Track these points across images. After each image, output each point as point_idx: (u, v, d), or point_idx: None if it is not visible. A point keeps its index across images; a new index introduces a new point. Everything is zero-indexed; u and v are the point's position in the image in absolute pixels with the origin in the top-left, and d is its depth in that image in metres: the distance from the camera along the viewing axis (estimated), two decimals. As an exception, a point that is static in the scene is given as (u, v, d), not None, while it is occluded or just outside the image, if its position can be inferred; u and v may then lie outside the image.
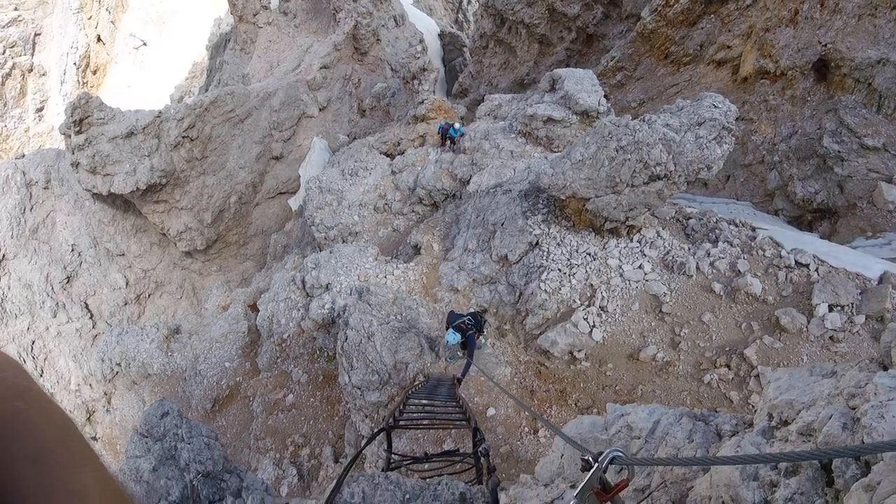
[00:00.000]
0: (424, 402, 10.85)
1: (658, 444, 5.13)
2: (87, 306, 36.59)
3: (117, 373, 28.46)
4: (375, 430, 13.77)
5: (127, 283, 37.50)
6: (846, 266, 13.32)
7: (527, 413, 13.94)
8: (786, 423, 3.77)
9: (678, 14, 27.58)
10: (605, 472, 2.80)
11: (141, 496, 6.12)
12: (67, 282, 36.09)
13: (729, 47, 26.13)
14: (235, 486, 6.62)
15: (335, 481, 6.23)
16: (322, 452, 18.93)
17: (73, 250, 36.18)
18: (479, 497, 6.46)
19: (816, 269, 13.30)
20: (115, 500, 0.94)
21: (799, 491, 2.97)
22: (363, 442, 12.35)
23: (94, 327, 36.24)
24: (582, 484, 2.81)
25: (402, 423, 9.49)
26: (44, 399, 0.92)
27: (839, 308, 12.34)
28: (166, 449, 6.66)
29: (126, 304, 37.36)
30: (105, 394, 30.78)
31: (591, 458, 2.88)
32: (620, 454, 2.83)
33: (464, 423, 9.11)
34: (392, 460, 8.12)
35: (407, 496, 6.69)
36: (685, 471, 4.28)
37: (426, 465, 8.14)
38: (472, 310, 15.83)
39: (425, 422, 10.57)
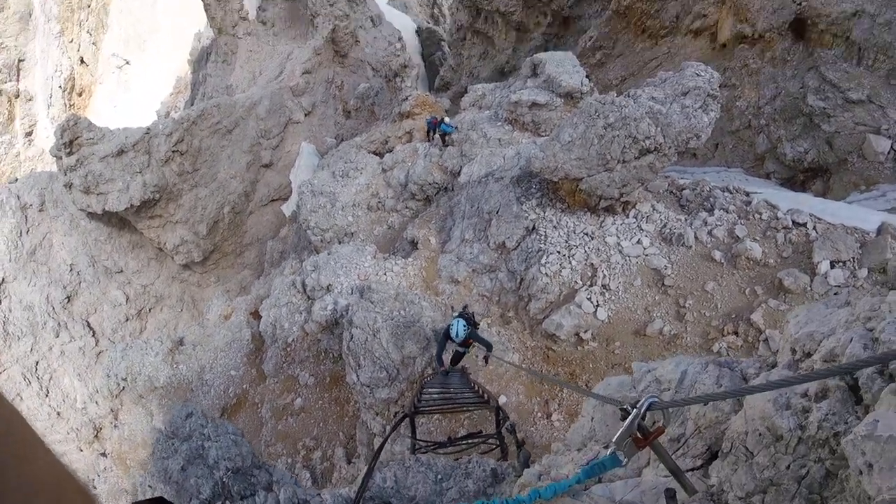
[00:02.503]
0: (440, 390, 10.96)
1: (688, 392, 5.25)
2: (88, 324, 36.56)
3: (123, 388, 28.65)
4: (393, 421, 13.86)
5: (127, 300, 37.47)
6: (843, 221, 13.38)
7: (538, 398, 13.99)
8: (808, 355, 3.89)
9: (652, -14, 27.64)
10: (643, 418, 2.89)
11: (171, 496, 6.15)
12: (68, 301, 36.04)
13: (705, 15, 26.11)
14: (265, 481, 6.68)
15: (366, 468, 6.33)
16: (334, 454, 18.98)
17: (71, 270, 36.16)
18: (509, 472, 6.55)
19: (814, 227, 13.35)
20: (70, 494, 0.90)
21: (831, 412, 3.08)
22: (388, 429, 12.43)
23: (96, 345, 36.21)
24: (621, 430, 2.90)
25: (422, 408, 9.58)
26: None
27: (841, 264, 12.38)
28: (194, 448, 6.72)
29: (127, 319, 37.35)
30: (111, 410, 30.95)
31: (628, 407, 2.96)
32: (656, 399, 2.92)
33: (484, 404, 9.21)
34: (417, 446, 8.21)
35: (439, 476, 6.80)
36: (717, 414, 4.37)
37: (450, 449, 8.22)
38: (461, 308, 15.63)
39: (447, 406, 10.68)
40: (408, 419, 8.97)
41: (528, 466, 6.33)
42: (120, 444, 29.12)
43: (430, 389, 11.12)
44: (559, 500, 3.73)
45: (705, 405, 4.57)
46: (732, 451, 3.67)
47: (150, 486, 6.38)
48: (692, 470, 4.14)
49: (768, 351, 11.72)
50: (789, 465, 3.16)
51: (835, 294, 11.88)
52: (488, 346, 11.77)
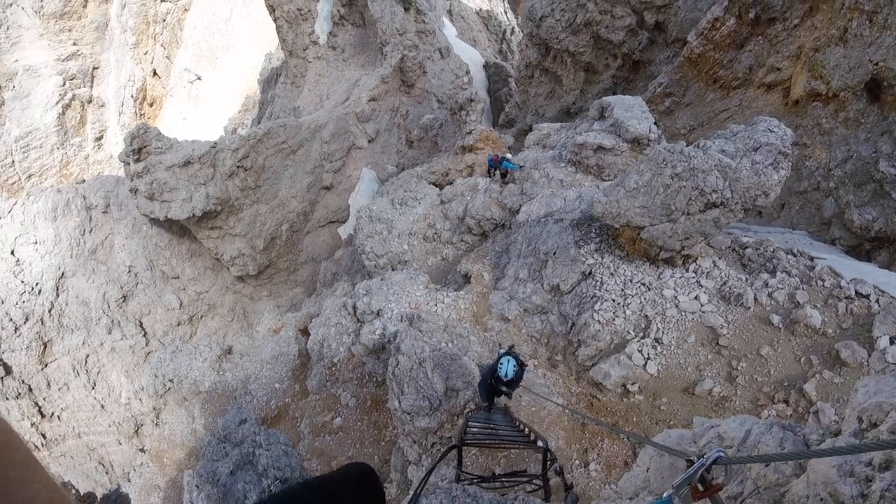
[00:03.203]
0: (483, 425, 10.88)
1: (750, 451, 5.32)
2: (141, 325, 37.68)
3: (169, 388, 29.30)
4: (440, 451, 13.82)
5: (181, 305, 38.50)
6: (908, 297, 12.99)
7: (577, 445, 13.81)
8: (875, 426, 3.97)
9: (725, 37, 27.37)
10: (708, 470, 2.88)
11: (218, 499, 6.23)
12: (123, 301, 37.14)
13: (779, 69, 25.76)
14: None
15: (412, 493, 6.30)
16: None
17: (129, 271, 37.36)
18: None
19: (877, 300, 12.96)
20: (8, 445, 0.91)
21: (894, 482, 3.18)
22: (436, 457, 12.40)
23: (147, 345, 37.27)
24: (683, 476, 2.91)
25: (471, 440, 9.54)
26: None
27: (901, 340, 12.01)
28: (244, 454, 6.79)
29: (179, 324, 38.30)
30: (154, 408, 31.67)
31: (694, 458, 2.97)
32: (723, 454, 2.89)
33: (531, 444, 9.14)
34: (462, 477, 8.18)
35: None
36: (778, 476, 4.43)
37: (494, 485, 8.17)
38: (507, 346, 15.30)
39: (493, 441, 10.59)
40: (455, 449, 9.01)
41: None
42: (159, 441, 29.71)
43: (474, 423, 11.07)
44: None
45: (766, 466, 4.59)
46: None
47: (196, 486, 6.43)
48: None
49: (817, 423, 11.45)
50: None
51: (891, 372, 11.54)
52: (509, 394, 11.67)
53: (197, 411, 27.39)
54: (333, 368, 22.74)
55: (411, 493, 6.66)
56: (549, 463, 8.40)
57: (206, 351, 30.05)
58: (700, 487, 2.88)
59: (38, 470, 0.90)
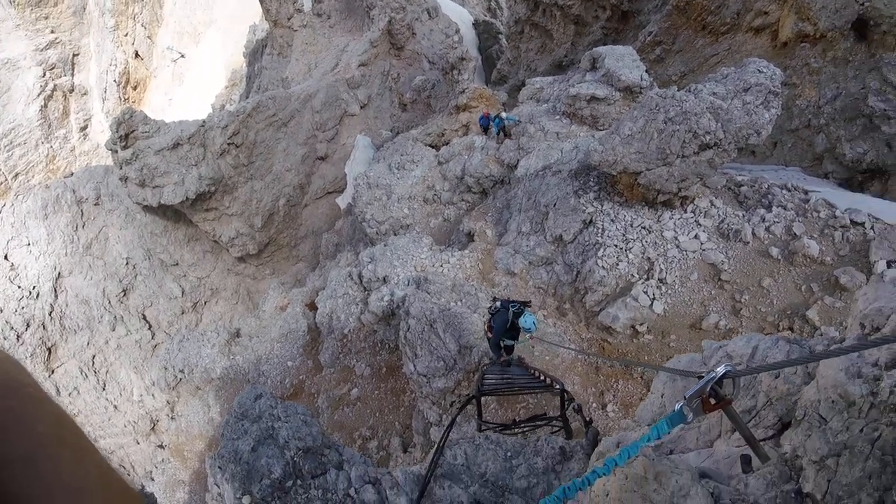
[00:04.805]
0: (500, 376, 11.24)
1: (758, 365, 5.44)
2: (144, 317, 37.24)
3: (181, 380, 28.93)
4: (458, 404, 14.20)
5: (183, 292, 38.15)
6: (902, 222, 13.39)
7: (593, 388, 14.26)
8: (877, 329, 4.16)
9: (713, -17, 27.46)
10: (721, 385, 3.09)
11: (242, 477, 6.23)
12: (124, 295, 36.74)
13: (766, 13, 25.84)
14: (336, 460, 6.75)
15: (436, 446, 6.62)
16: (390, 444, 19.25)
17: (127, 263, 36.85)
18: (577, 450, 6.81)
19: (872, 227, 13.34)
20: (118, 496, 0.92)
21: None
22: (454, 410, 12.77)
23: (153, 338, 36.88)
24: (694, 388, 3.11)
25: (488, 390, 9.90)
26: (37, 396, 0.89)
27: (898, 263, 12.41)
28: (264, 429, 6.81)
29: (183, 312, 37.99)
30: (168, 402, 31.21)
31: (704, 373, 3.17)
32: (732, 368, 3.10)
33: (548, 388, 9.51)
34: (483, 427, 8.56)
35: (508, 453, 7.03)
36: (788, 386, 4.61)
37: (515, 431, 8.54)
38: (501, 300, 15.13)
39: (510, 390, 10.94)
40: (474, 400, 9.37)
41: (597, 444, 6.58)
42: (177, 435, 29.51)
43: (490, 376, 11.43)
44: (642, 465, 4.03)
45: (777, 377, 4.82)
46: (806, 418, 3.93)
47: (219, 468, 6.59)
48: (765, 440, 4.36)
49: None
50: (862, 429, 3.39)
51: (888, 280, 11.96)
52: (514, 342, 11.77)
53: (212, 399, 27.24)
54: (345, 340, 22.82)
55: (434, 447, 6.98)
56: (567, 403, 8.80)
57: (213, 337, 29.70)
58: (712, 401, 3.09)
59: (94, 454, 0.95)
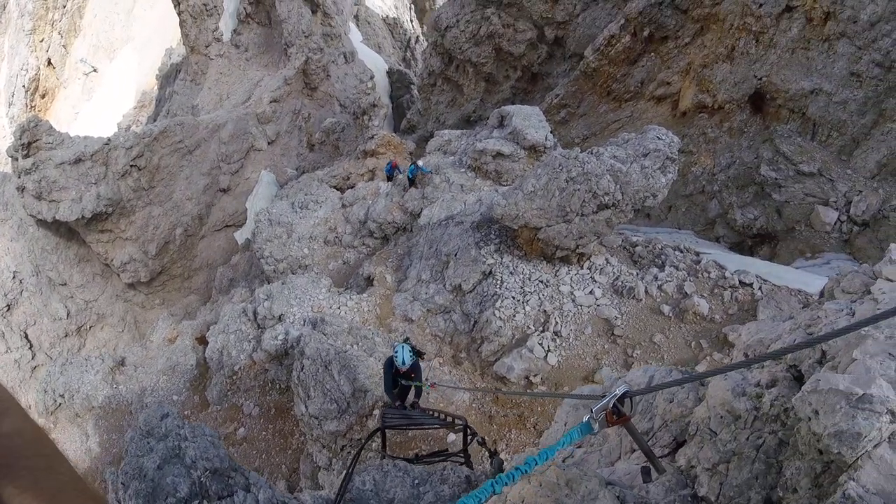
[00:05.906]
0: (402, 415, 11.07)
1: (655, 393, 5.91)
2: (26, 336, 35.24)
3: (60, 405, 27.38)
4: (357, 443, 13.86)
5: (68, 314, 36.16)
6: (788, 284, 14.09)
7: (486, 437, 14.15)
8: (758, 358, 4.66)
9: (620, 53, 28.56)
10: (622, 403, 3.33)
11: (147, 494, 6.06)
12: (8, 310, 34.82)
13: (668, 83, 27.14)
14: (243, 483, 6.69)
15: (345, 472, 6.50)
16: (276, 487, 18.65)
17: (14, 277, 34.95)
18: (483, 478, 6.77)
19: (760, 288, 13.99)
20: (89, 500, 0.99)
21: (780, 395, 3.91)
22: (364, 438, 12.48)
23: (33, 358, 34.87)
24: (600, 404, 3.30)
25: (393, 424, 9.74)
26: (15, 412, 0.97)
27: (782, 325, 12.91)
28: (170, 448, 6.66)
29: (67, 335, 36.02)
30: (44, 428, 29.68)
31: (606, 393, 3.38)
32: (629, 388, 3.37)
33: (450, 426, 9.43)
34: (386, 458, 8.40)
35: (416, 481, 7.00)
36: (681, 409, 5.17)
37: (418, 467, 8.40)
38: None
39: (414, 424, 10.78)
40: (379, 433, 9.26)
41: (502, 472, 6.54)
42: None
43: (391, 414, 11.23)
44: (555, 472, 4.21)
45: (671, 402, 5.31)
46: (698, 433, 4.45)
47: (122, 484, 6.35)
48: (662, 457, 4.84)
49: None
50: (748, 437, 3.88)
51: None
52: (418, 392, 11.54)
53: (91, 428, 25.75)
54: (234, 377, 22.04)
55: (344, 473, 6.86)
56: (470, 438, 8.79)
57: (98, 363, 28.18)
58: (614, 416, 3.30)
59: (65, 462, 1.01)
